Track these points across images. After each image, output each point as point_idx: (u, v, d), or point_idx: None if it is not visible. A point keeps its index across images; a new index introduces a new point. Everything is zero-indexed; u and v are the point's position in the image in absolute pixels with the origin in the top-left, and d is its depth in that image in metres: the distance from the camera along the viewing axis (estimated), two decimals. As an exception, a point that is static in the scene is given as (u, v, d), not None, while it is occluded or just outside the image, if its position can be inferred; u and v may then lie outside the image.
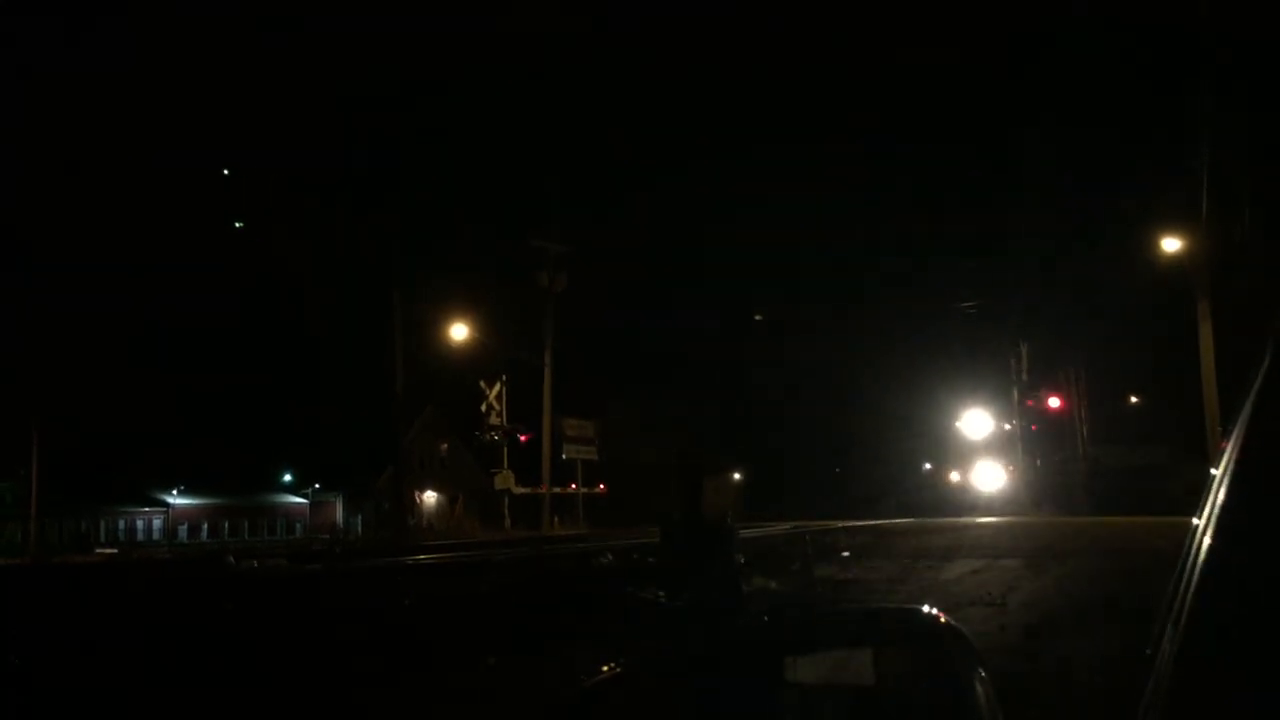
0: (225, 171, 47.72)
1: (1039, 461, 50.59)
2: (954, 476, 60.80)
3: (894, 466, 63.09)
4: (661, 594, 12.97)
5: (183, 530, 61.60)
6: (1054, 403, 49.62)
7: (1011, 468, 51.61)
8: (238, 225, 48.91)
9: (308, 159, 59.50)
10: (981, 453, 56.25)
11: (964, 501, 51.96)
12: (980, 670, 1.52)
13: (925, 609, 1.72)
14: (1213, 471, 1.17)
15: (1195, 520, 1.16)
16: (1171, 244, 34.56)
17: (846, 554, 20.43)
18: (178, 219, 59.90)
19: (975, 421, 56.90)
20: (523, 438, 49.78)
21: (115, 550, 49.73)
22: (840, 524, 30.24)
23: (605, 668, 1.74)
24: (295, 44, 71.18)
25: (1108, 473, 46.45)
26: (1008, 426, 52.41)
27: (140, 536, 59.84)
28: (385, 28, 69.99)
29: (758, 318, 64.66)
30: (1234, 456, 1.10)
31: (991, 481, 55.34)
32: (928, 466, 63.59)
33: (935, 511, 42.87)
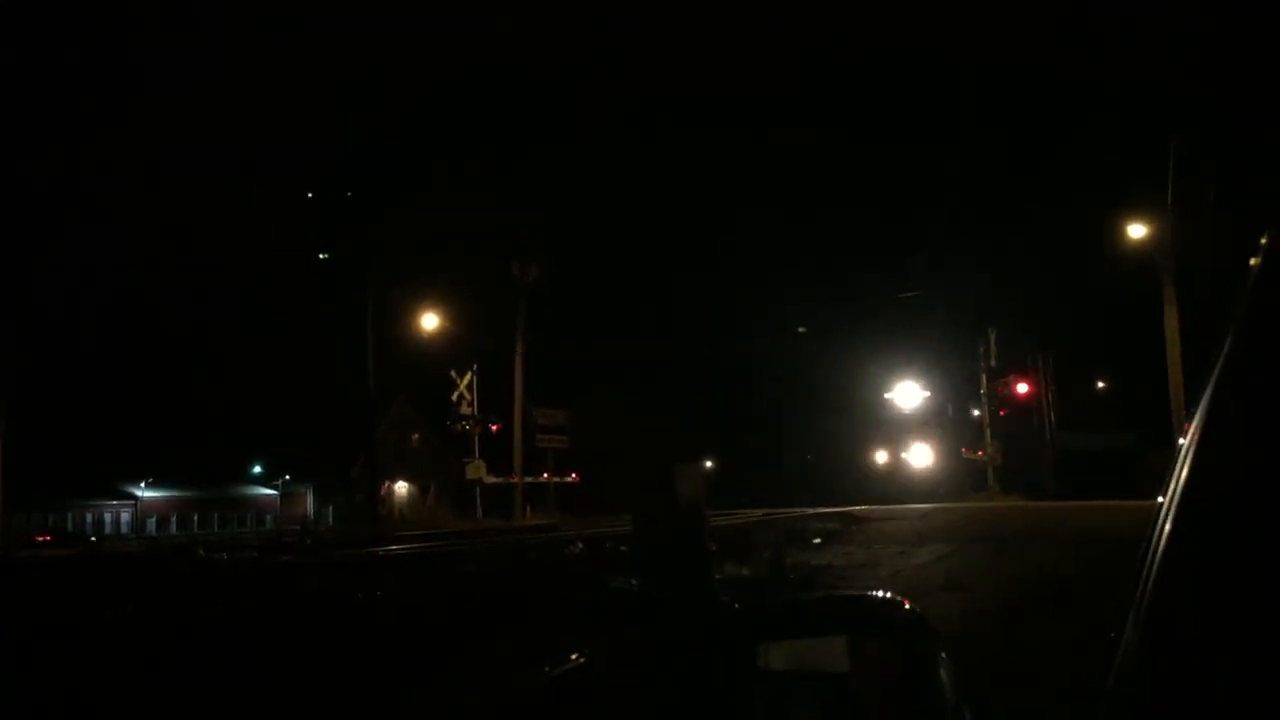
0: (309, 195, 47.16)
1: (993, 446, 50.44)
2: (880, 456, 58.27)
3: (834, 449, 61.65)
4: (634, 582, 13.00)
5: (151, 523, 61.14)
6: (1022, 388, 49.93)
7: (980, 452, 51.47)
8: (322, 256, 48.22)
9: (287, 153, 59.12)
10: (915, 429, 54.95)
11: (894, 485, 50.72)
12: (943, 656, 1.53)
13: (890, 596, 1.73)
14: (1180, 441, 1.18)
15: (1160, 499, 1.17)
16: (1138, 230, 34.91)
17: (818, 540, 20.53)
18: (154, 212, 59.51)
19: (907, 393, 55.32)
20: (494, 427, 49.71)
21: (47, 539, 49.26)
22: (811, 510, 30.38)
23: (573, 656, 1.74)
24: (288, 42, 70.68)
25: (1074, 457, 46.86)
26: (976, 412, 52.46)
27: (109, 529, 59.37)
28: (370, 26, 69.74)
29: (801, 330, 63.99)
30: (1194, 441, 1.11)
31: (922, 460, 54.33)
32: (905, 455, 61.35)
33: (867, 498, 41.76)
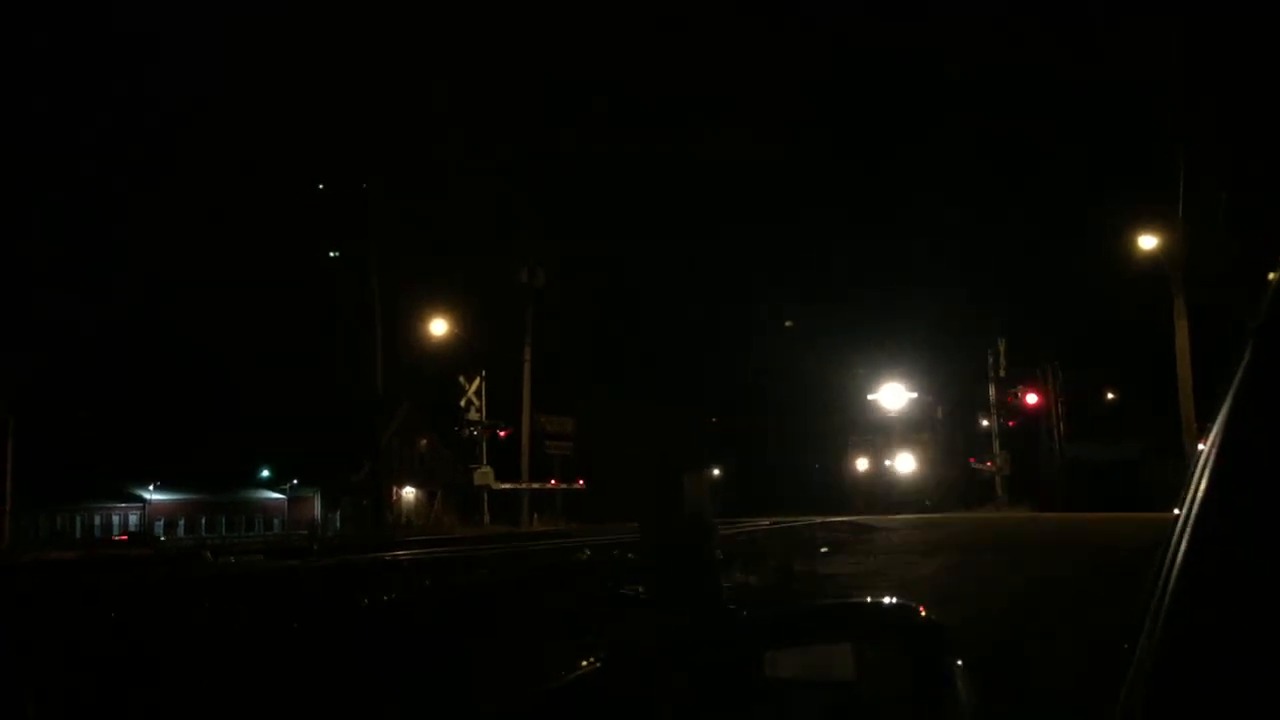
0: (320, 186, 46.77)
1: (1001, 456, 49.60)
2: (861, 464, 53.86)
3: (814, 456, 58.63)
4: (641, 590, 12.99)
5: (159, 526, 61.23)
6: (1031, 399, 49.69)
7: (990, 463, 50.77)
8: (332, 255, 47.73)
9: (289, 154, 59.21)
10: (901, 433, 51.96)
11: (877, 493, 48.75)
12: (959, 663, 1.52)
13: (904, 603, 1.72)
14: (1200, 447, 1.18)
15: (1176, 510, 1.17)
16: (1148, 241, 34.83)
17: (825, 549, 20.50)
18: (150, 215, 59.75)
19: (892, 395, 52.38)
20: (502, 433, 49.75)
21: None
22: (819, 519, 30.32)
23: (584, 663, 1.74)
24: (279, 34, 70.90)
25: (1083, 468, 46.61)
26: (985, 422, 51.89)
27: (116, 532, 59.48)
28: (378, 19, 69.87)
29: (788, 324, 62.47)
30: (1212, 455, 1.11)
31: (907, 467, 51.63)
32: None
33: (846, 509, 40.09)
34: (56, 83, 70.21)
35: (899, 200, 71.80)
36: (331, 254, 47.95)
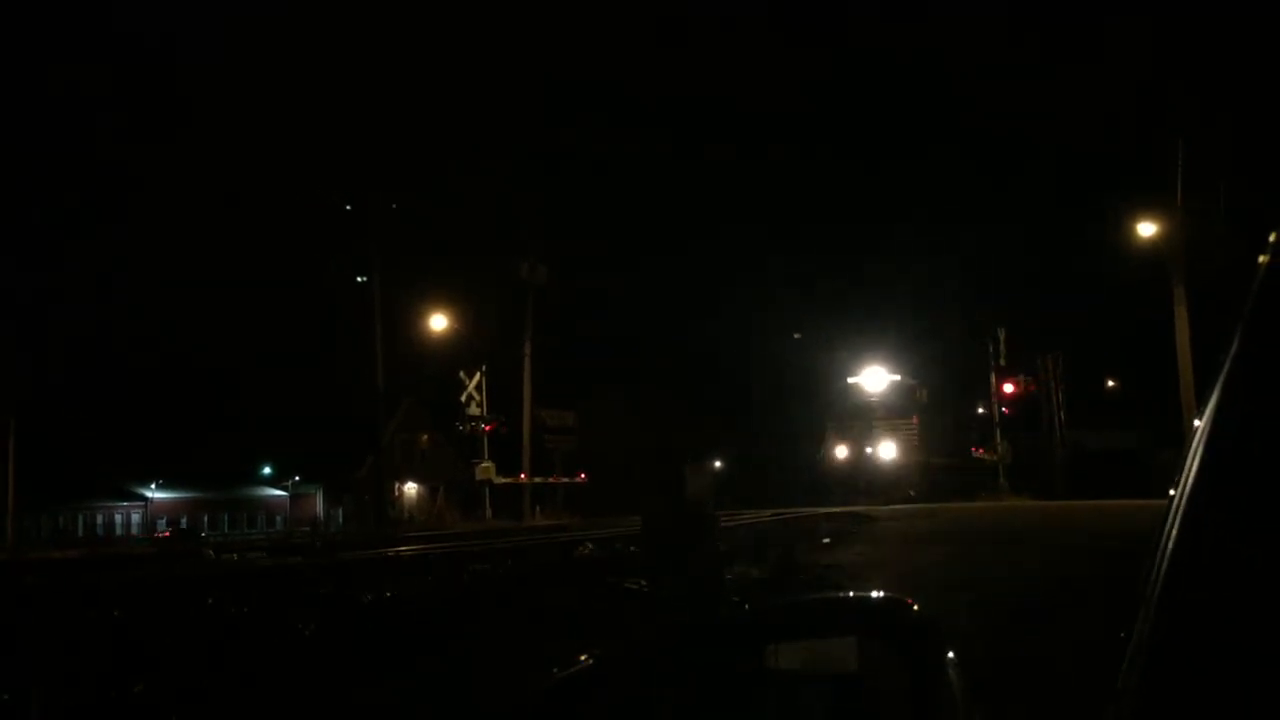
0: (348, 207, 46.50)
1: (1002, 445, 49.08)
2: (840, 451, 51.21)
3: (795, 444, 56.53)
4: (644, 583, 13.01)
5: (161, 524, 61.32)
6: (1030, 387, 49.57)
7: (981, 450, 50.09)
8: (360, 279, 47.01)
9: (291, 155, 59.26)
10: (882, 419, 49.58)
11: (855, 484, 46.99)
12: (951, 657, 1.52)
13: (894, 596, 1.72)
14: (1196, 424, 1.18)
15: (1171, 491, 1.17)
16: (1148, 229, 34.82)
17: (827, 540, 20.51)
18: (151, 215, 59.81)
19: (874, 378, 50.13)
20: (503, 428, 49.81)
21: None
22: (822, 510, 30.34)
23: (582, 657, 1.73)
24: (280, 34, 70.94)
25: (1085, 456, 46.57)
26: (981, 410, 51.52)
27: (119, 531, 59.58)
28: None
29: (796, 336, 61.37)
30: (1203, 438, 1.11)
31: (889, 454, 49.53)
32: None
33: (822, 500, 38.76)
34: (56, 82, 70.26)
35: (899, 198, 71.93)
36: (360, 279, 47.29)
